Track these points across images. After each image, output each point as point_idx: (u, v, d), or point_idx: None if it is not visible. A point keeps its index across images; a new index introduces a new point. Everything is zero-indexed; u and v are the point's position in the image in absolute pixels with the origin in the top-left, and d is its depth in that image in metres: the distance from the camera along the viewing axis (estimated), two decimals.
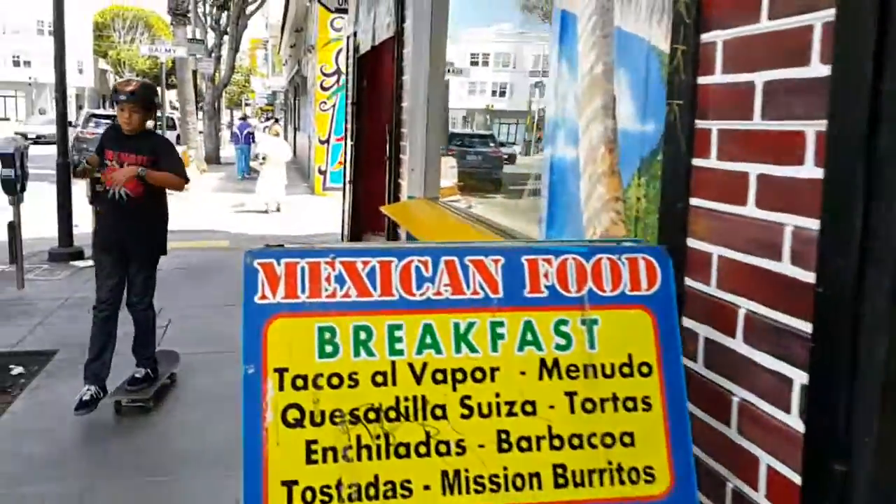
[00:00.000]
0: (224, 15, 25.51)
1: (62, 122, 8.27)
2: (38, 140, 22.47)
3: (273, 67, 43.34)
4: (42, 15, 61.45)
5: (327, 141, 16.43)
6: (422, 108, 5.17)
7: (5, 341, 5.31)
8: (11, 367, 4.84)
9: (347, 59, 9.33)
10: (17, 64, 58.40)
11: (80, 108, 66.59)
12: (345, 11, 10.59)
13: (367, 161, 8.97)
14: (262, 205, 14.31)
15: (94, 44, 66.60)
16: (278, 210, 14.57)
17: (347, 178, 8.95)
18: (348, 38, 9.25)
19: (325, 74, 16.20)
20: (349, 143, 9.00)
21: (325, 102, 16.31)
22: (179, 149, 17.28)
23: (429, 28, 5.08)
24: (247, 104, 66.59)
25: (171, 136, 22.56)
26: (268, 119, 41.96)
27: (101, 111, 27.51)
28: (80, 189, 8.67)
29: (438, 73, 5.12)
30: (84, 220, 8.98)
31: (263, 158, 14.70)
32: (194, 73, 22.05)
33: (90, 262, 8.21)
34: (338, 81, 16.25)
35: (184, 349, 5.26)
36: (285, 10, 22.86)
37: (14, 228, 6.72)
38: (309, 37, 18.83)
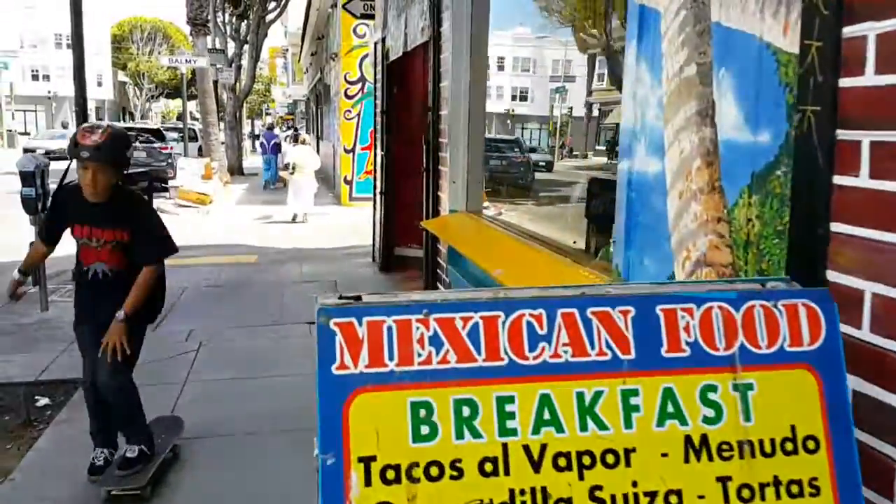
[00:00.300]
0: (243, 24, 25.42)
1: None
2: (48, 155, 22.29)
3: (293, 76, 43.34)
4: (60, 28, 62.09)
5: (353, 150, 16.20)
6: (463, 117, 4.87)
7: (30, 369, 5.07)
8: (37, 397, 4.59)
9: (375, 66, 9.06)
10: (36, 78, 59.01)
11: (99, 120, 67.19)
12: (370, 17, 10.34)
13: (399, 171, 8.69)
14: (289, 214, 14.23)
15: (112, 56, 67.16)
16: (305, 220, 14.45)
17: (378, 189, 8.67)
18: (376, 44, 8.98)
19: (349, 82, 15.97)
20: (379, 152, 8.73)
21: (349, 111, 16.08)
22: (202, 161, 17.20)
23: (468, 31, 4.79)
24: (267, 113, 66.76)
25: (192, 148, 22.52)
26: (289, 129, 41.98)
27: (118, 123, 27.93)
28: None
29: (480, 80, 4.82)
30: None
31: (293, 168, 14.49)
32: (215, 83, 21.94)
33: None
34: (362, 89, 16.01)
35: (214, 375, 4.99)
36: (306, 18, 22.70)
37: None
38: (331, 44, 18.64)
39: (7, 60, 44.55)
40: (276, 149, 21.87)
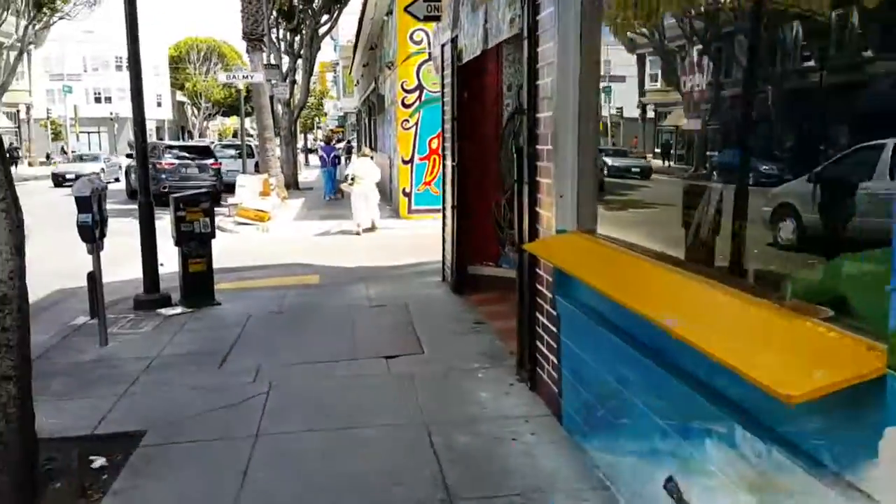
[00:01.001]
0: (296, 38, 25.16)
1: (143, 157, 7.59)
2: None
3: (344, 89, 43.22)
4: (120, 51, 63.47)
5: (411, 161, 15.60)
6: (571, 120, 4.14)
7: (86, 420, 4.51)
8: (92, 458, 4.01)
9: (442, 69, 8.40)
10: (98, 100, 60.36)
11: (160, 139, 68.71)
12: (435, 19, 9.69)
13: (472, 183, 8.00)
14: (354, 225, 14.00)
15: (170, 76, 68.42)
16: (373, 228, 14.18)
17: (450, 203, 7.99)
18: (443, 46, 8.32)
19: (406, 91, 15.40)
20: (450, 163, 8.05)
21: (406, 120, 15.50)
22: (259, 178, 16.83)
23: (578, 15, 4.06)
24: (318, 127, 67.10)
25: (249, 164, 22.28)
26: (339, 141, 41.89)
27: (173, 142, 29.76)
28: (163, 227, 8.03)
29: (592, 73, 4.08)
30: (169, 259, 8.36)
31: (352, 179, 14.28)
32: (270, 98, 21.68)
33: (178, 310, 7.52)
34: (420, 98, 15.43)
35: (287, 426, 4.35)
36: (359, 29, 22.30)
37: (94, 280, 6.00)
38: (386, 53, 18.13)
39: (71, 84, 45.51)
40: (335, 161, 22.01)
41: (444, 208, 8.73)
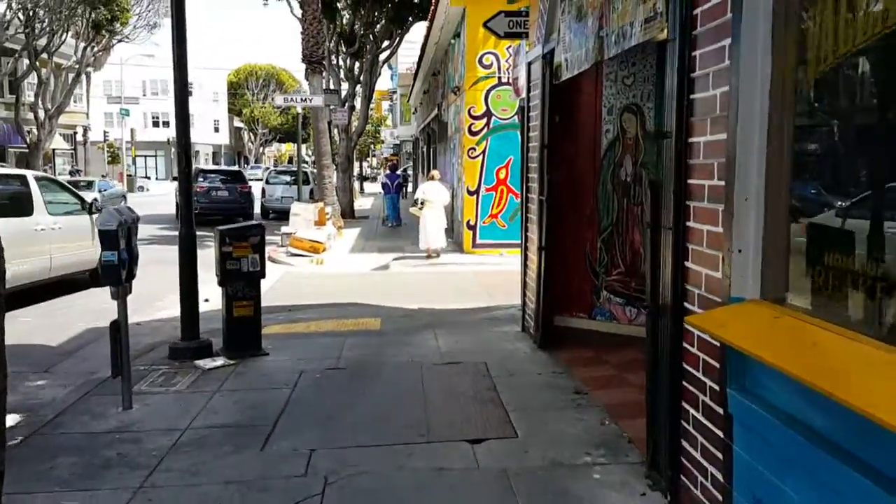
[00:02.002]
0: (356, 64, 24.53)
1: (186, 185, 6.64)
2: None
3: (401, 116, 42.67)
4: None
5: (477, 192, 14.53)
6: (756, 146, 2.96)
7: None
8: None
9: (529, 91, 7.30)
10: (156, 124, 61.20)
11: (216, 164, 69.55)
12: (518, 36, 8.65)
13: (563, 221, 6.84)
14: (422, 250, 14.05)
15: (228, 102, 69.26)
16: (438, 255, 14.00)
17: (537, 243, 6.82)
18: (530, 64, 7.23)
19: (473, 117, 14.38)
20: (536, 196, 6.90)
21: (473, 148, 14.46)
22: (315, 206, 15.97)
23: (770, 6, 2.90)
24: (373, 155, 66.94)
25: (304, 190, 21.54)
26: (392, 169, 41.18)
27: (210, 166, 31.78)
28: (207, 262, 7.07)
29: (789, 84, 2.90)
30: (214, 292, 7.40)
31: (422, 203, 14.11)
32: (328, 124, 20.96)
33: (219, 361, 6.49)
34: (488, 125, 14.39)
35: None
36: (421, 54, 21.49)
37: (119, 330, 5.00)
38: (450, 79, 17.21)
39: (129, 108, 46.02)
40: (399, 188, 22.26)
41: (525, 248, 7.59)
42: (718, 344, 3.08)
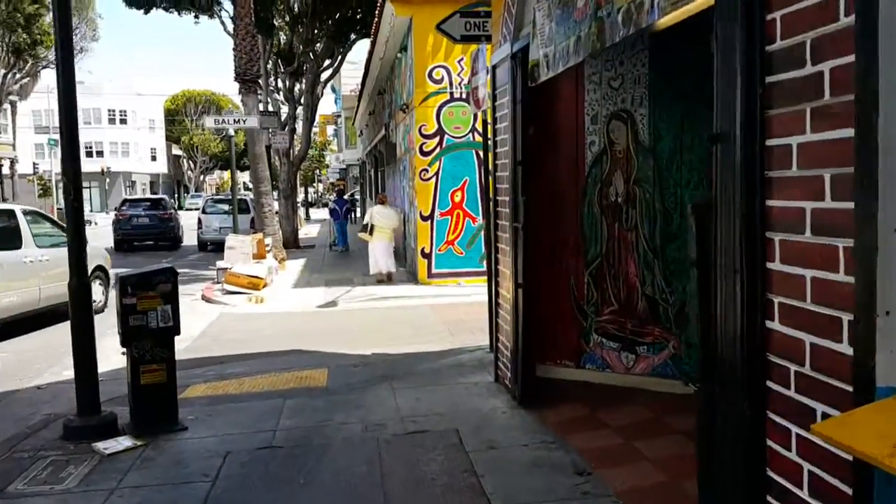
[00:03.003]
0: (297, 85, 23.25)
1: (75, 223, 5.32)
2: None
3: (347, 140, 41.40)
4: (113, 104, 62.30)
5: (430, 217, 13.37)
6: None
7: None
8: None
9: (494, 99, 6.19)
10: (90, 155, 58.65)
11: (154, 194, 67.25)
12: (475, 39, 7.57)
13: (541, 252, 5.72)
14: (372, 275, 13.94)
15: (166, 130, 66.98)
16: (390, 279, 13.76)
17: (511, 279, 5.67)
18: (494, 67, 6.14)
19: (424, 136, 13.27)
20: (510, 224, 5.77)
21: (425, 170, 13.32)
22: (252, 237, 14.59)
23: None
24: (319, 180, 65.40)
25: (244, 220, 20.10)
26: (340, 194, 40.14)
27: (136, 195, 36.80)
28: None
29: None
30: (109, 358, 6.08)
31: (371, 228, 13.90)
32: (268, 148, 19.61)
33: (123, 444, 5.14)
34: (440, 143, 13.29)
35: None
36: (365, 72, 20.36)
37: None
38: (399, 95, 16.09)
39: (57, 138, 43.58)
40: (347, 214, 22.51)
41: (494, 282, 6.43)
42: (851, 458, 1.96)
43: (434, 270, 13.37)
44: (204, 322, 10.74)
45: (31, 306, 9.99)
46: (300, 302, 12.22)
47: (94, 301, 10.25)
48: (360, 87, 25.03)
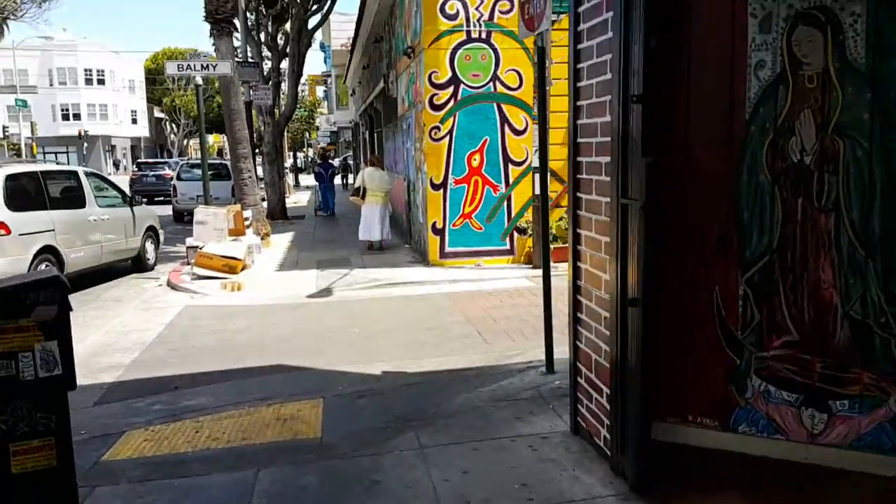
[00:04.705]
0: (280, 34, 20.72)
1: None
2: None
3: (337, 101, 38.74)
4: (91, 63, 59.14)
5: (443, 185, 11.11)
6: None
7: None
8: None
9: (580, 3, 3.90)
10: (66, 118, 55.77)
11: (135, 159, 64.65)
12: None
13: (667, 248, 3.52)
14: (364, 244, 13.24)
15: (147, 91, 64.01)
16: (381, 247, 13.08)
17: (616, 291, 3.45)
18: None
19: (434, 86, 10.93)
20: (615, 199, 3.53)
21: (437, 127, 11.02)
22: (226, 210, 12.23)
23: None
24: (309, 145, 62.73)
25: (225, 186, 17.80)
26: (333, 158, 38.03)
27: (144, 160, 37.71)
28: None
29: None
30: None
31: (363, 192, 13.00)
32: (248, 105, 17.19)
33: None
34: (454, 96, 10.96)
35: None
36: (359, 17, 17.87)
37: None
38: (401, 40, 13.69)
39: (26, 98, 40.58)
40: (333, 178, 21.93)
41: (574, 286, 4.21)
42: None
43: (448, 249, 11.14)
44: (164, 319, 8.51)
45: (95, 262, 10.60)
46: (286, 289, 9.98)
47: (148, 259, 12.09)
48: (352, 38, 22.50)
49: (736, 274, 3.53)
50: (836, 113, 3.29)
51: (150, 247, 12.27)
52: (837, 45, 3.26)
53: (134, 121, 64.47)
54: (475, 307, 8.40)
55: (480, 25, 10.72)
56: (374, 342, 7.10)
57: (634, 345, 3.45)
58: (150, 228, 12.30)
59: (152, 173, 28.12)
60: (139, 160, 37.16)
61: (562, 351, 5.69)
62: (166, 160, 33.57)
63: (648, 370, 3.46)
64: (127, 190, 23.03)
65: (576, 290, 4.20)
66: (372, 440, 4.44)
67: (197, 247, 11.07)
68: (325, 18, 19.96)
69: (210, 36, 13.06)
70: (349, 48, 25.71)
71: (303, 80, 39.47)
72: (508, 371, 5.79)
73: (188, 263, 11.39)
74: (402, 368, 6.14)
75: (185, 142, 65.92)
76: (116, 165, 61.45)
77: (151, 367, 6.61)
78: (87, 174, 11.12)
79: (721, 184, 3.51)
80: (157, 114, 67.26)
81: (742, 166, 3.47)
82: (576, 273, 4.19)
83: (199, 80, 11.76)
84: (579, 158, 4.08)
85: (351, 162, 36.89)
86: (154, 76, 63.14)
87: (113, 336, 7.85)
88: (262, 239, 13.35)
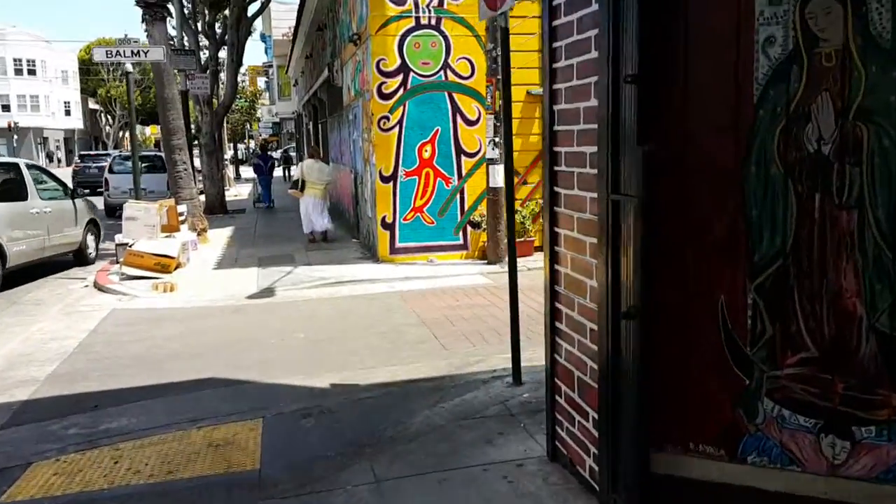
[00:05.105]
0: (217, 23, 19.75)
1: None
2: None
3: (279, 91, 37.63)
4: (22, 53, 56.52)
5: (393, 177, 10.53)
6: None
7: None
8: None
9: None
10: None
11: (69, 151, 62.04)
12: None
13: (667, 250, 3.05)
14: (306, 235, 12.99)
15: (81, 82, 61.51)
16: (325, 239, 12.94)
17: (607, 300, 2.96)
18: None
19: (383, 73, 10.33)
20: (604, 194, 3.04)
21: (386, 117, 10.42)
22: (157, 205, 11.31)
23: None
24: (250, 136, 61.20)
25: (161, 179, 16.83)
26: (274, 150, 37.04)
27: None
28: None
29: None
30: None
31: (302, 184, 12.76)
32: (185, 94, 16.27)
33: None
34: (404, 84, 10.38)
35: None
36: (301, 4, 17.10)
37: None
38: (346, 27, 13.02)
39: None
40: (272, 170, 21.46)
41: (550, 294, 3.71)
42: None
43: (398, 245, 10.58)
44: (88, 325, 7.74)
45: (38, 255, 10.44)
46: (224, 290, 9.27)
47: (90, 252, 11.85)
48: (294, 27, 21.66)
49: (744, 280, 3.07)
50: (859, 96, 2.84)
51: (91, 240, 12.06)
52: (859, 18, 2.81)
53: (67, 112, 61.97)
54: (430, 307, 7.87)
55: (430, 12, 10.17)
56: (321, 349, 6.51)
57: (630, 364, 2.97)
58: (91, 221, 12.04)
59: (95, 165, 28.74)
60: (82, 152, 38.00)
61: (527, 358, 5.23)
62: (109, 152, 33.94)
63: (647, 394, 2.99)
64: (69, 182, 22.32)
65: (553, 296, 3.70)
66: (319, 473, 3.87)
67: (126, 244, 10.24)
68: (265, 6, 19.11)
69: (142, 22, 12.14)
70: (290, 37, 24.82)
71: (243, 70, 38.25)
72: (471, 382, 5.28)
73: (117, 262, 10.56)
74: (352, 380, 5.57)
75: (121, 134, 63.59)
76: (50, 157, 59.03)
77: (70, 382, 5.88)
78: (29, 166, 10.92)
79: (726, 176, 3.04)
80: (92, 105, 64.75)
81: (750, 156, 3.01)
82: (553, 277, 3.69)
83: (130, 68, 10.89)
84: (557, 148, 3.59)
85: (293, 154, 35.94)
86: (88, 67, 60.75)
87: (31, 345, 7.07)
88: (198, 235, 12.54)
